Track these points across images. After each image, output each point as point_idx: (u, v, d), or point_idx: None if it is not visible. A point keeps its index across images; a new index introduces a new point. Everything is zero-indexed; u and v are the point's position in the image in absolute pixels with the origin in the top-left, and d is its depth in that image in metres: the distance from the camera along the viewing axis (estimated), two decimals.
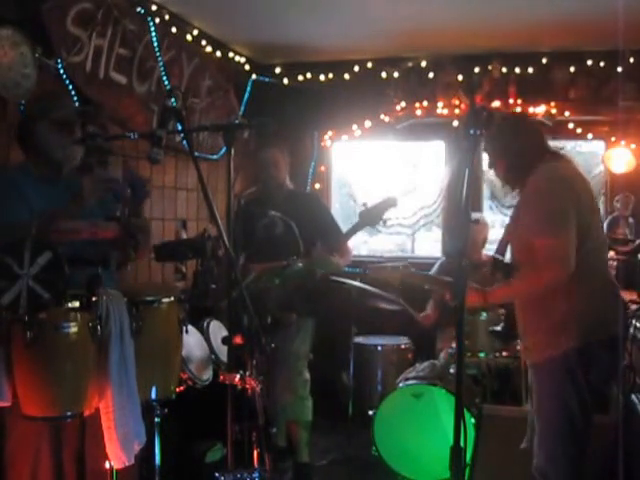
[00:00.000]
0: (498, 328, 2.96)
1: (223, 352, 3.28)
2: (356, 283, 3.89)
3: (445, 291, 2.59)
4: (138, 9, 3.75)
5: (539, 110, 4.73)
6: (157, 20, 3.91)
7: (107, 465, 2.23)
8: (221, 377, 2.40)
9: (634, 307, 2.66)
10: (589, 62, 4.71)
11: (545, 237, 2.27)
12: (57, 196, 2.41)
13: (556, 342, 2.30)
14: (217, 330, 3.54)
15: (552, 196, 2.31)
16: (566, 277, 2.22)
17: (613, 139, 4.75)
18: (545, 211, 2.29)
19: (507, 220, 2.59)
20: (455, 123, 4.96)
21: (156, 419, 2.40)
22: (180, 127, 2.29)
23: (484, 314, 3.45)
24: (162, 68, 3.96)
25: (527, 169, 2.40)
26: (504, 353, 3.56)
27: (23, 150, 2.57)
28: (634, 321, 2.58)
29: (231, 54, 4.95)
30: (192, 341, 3.16)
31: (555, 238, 2.25)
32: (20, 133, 2.55)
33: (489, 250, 4.38)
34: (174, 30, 4.14)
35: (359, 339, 4.43)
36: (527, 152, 2.45)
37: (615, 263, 4.29)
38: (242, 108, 5.11)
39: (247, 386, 2.27)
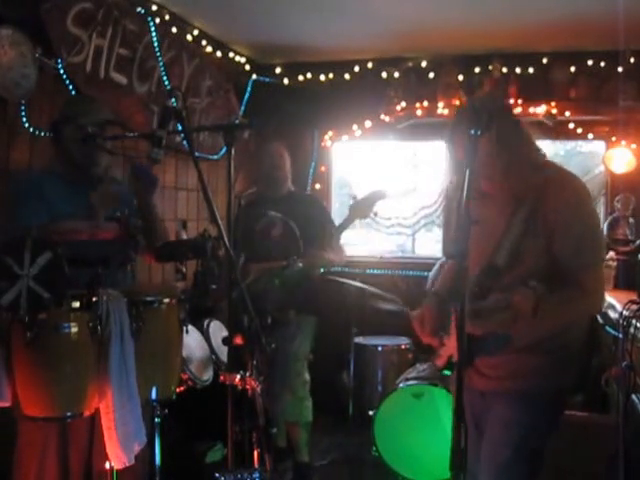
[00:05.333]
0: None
1: (223, 352, 3.28)
2: (356, 283, 3.88)
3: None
4: (138, 9, 3.75)
5: (540, 110, 4.72)
6: (157, 20, 3.91)
7: (107, 465, 2.23)
8: (221, 377, 2.40)
9: (634, 307, 2.65)
10: (589, 62, 4.70)
11: (599, 264, 2.10)
12: (81, 198, 2.44)
13: (565, 370, 2.12)
14: (217, 330, 3.55)
15: (597, 217, 2.15)
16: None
17: (614, 139, 4.74)
18: (597, 235, 2.12)
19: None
20: None
21: (156, 419, 2.39)
22: (180, 127, 2.29)
23: None
24: (162, 68, 3.96)
25: (528, 169, 2.12)
26: None
27: (55, 150, 2.64)
28: (634, 321, 2.57)
29: (231, 54, 4.95)
30: (192, 341, 3.16)
31: (603, 262, 2.13)
32: (52, 132, 2.63)
33: None
34: (174, 30, 4.14)
35: (359, 339, 4.43)
36: (530, 147, 2.16)
37: (615, 263, 4.28)
38: (242, 108, 5.11)
39: (247, 386, 2.27)
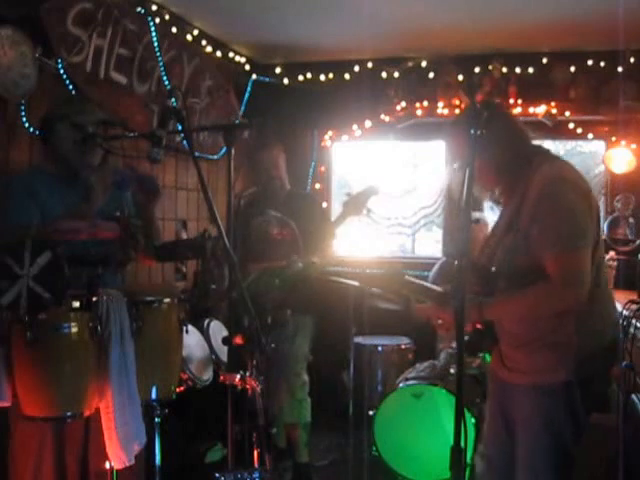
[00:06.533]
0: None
1: (223, 352, 3.28)
2: (354, 283, 3.88)
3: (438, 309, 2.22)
4: (138, 9, 3.75)
5: (539, 110, 4.73)
6: (157, 20, 3.91)
7: (107, 465, 2.23)
8: (221, 377, 2.40)
9: (634, 307, 2.65)
10: (589, 62, 4.70)
11: (566, 253, 2.00)
12: (73, 196, 2.43)
13: (558, 368, 2.10)
14: (217, 330, 3.54)
15: (572, 205, 2.04)
16: (583, 300, 2.01)
17: (613, 139, 4.74)
18: (565, 222, 2.03)
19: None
20: None
21: (156, 419, 2.39)
22: (180, 127, 2.29)
23: None
24: (162, 68, 3.96)
25: (521, 167, 2.15)
26: None
27: (43, 148, 2.62)
28: (634, 321, 2.57)
29: (231, 54, 4.95)
30: (192, 341, 3.16)
31: (576, 255, 2.00)
32: (42, 131, 2.59)
33: None
34: (174, 30, 4.14)
35: (359, 339, 4.42)
36: (520, 145, 2.19)
37: (615, 263, 4.29)
38: (242, 108, 5.11)
39: (247, 386, 2.27)
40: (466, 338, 2.20)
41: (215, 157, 4.66)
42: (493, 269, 2.17)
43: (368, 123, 5.14)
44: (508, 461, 2.22)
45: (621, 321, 2.58)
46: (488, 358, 2.24)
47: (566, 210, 2.04)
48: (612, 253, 4.37)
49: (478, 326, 2.18)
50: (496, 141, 2.10)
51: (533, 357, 2.14)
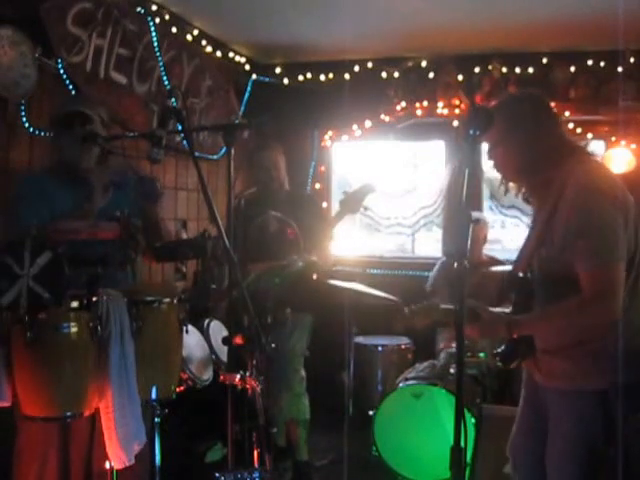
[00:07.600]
0: (499, 350, 2.39)
1: (223, 352, 3.28)
2: (353, 284, 3.88)
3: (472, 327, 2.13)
4: (138, 9, 3.75)
5: None
6: (157, 20, 3.91)
7: (107, 465, 2.23)
8: (221, 377, 2.40)
9: None
10: (589, 62, 4.71)
11: (599, 268, 1.95)
12: (79, 197, 2.44)
13: (595, 375, 2.06)
14: (217, 330, 3.54)
15: (608, 219, 1.96)
16: (617, 316, 1.95)
17: (613, 139, 4.74)
18: (600, 237, 1.96)
19: (512, 222, 2.38)
20: (455, 123, 4.97)
21: (156, 419, 2.39)
22: (180, 127, 2.29)
23: None
24: (162, 68, 3.97)
25: (548, 168, 2.09)
26: None
27: (51, 149, 2.71)
28: None
29: (231, 54, 4.95)
30: (192, 341, 3.16)
31: (610, 269, 1.95)
32: (46, 132, 2.64)
33: (488, 250, 4.38)
34: (174, 30, 4.14)
35: (359, 339, 4.43)
36: (551, 142, 2.12)
37: None
38: (242, 108, 5.12)
39: (247, 386, 2.27)
40: (500, 349, 2.20)
41: (215, 157, 4.67)
42: (528, 276, 2.15)
43: (368, 123, 5.14)
44: (534, 461, 2.23)
45: None
46: (483, 355, 2.23)
47: (601, 225, 1.97)
48: None
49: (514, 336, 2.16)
50: (517, 138, 2.09)
51: (565, 363, 2.12)
